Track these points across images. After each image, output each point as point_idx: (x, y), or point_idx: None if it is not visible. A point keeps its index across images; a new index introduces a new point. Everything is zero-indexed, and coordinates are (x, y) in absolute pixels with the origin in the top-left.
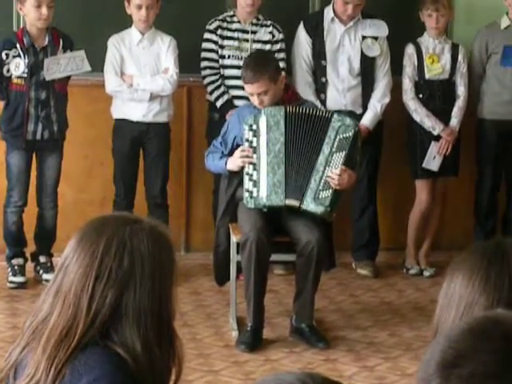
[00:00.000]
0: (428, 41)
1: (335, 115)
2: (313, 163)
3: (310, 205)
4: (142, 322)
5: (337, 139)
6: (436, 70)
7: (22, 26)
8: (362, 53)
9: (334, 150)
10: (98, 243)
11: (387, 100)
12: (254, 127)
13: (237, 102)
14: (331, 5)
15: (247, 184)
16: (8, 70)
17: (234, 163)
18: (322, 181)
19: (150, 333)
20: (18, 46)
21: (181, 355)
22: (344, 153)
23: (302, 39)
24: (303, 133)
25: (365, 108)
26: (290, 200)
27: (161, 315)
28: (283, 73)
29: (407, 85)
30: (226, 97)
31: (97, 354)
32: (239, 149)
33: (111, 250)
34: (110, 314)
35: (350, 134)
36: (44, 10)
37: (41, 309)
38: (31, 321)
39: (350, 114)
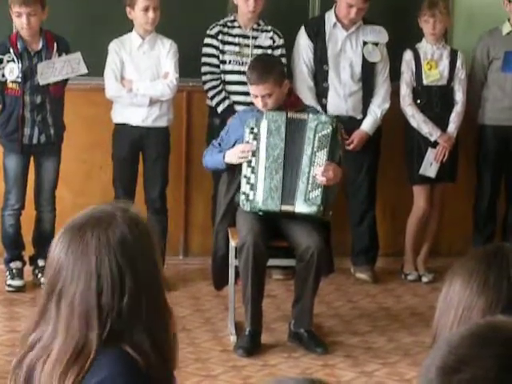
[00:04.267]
0: (426, 47)
1: (310, 115)
2: (295, 166)
3: (302, 206)
4: (146, 319)
5: (316, 138)
6: (434, 76)
7: (15, 31)
8: (364, 58)
9: (315, 149)
10: (89, 261)
11: (387, 106)
12: (255, 130)
13: (238, 108)
14: (333, 10)
15: (244, 187)
16: (3, 75)
17: (233, 156)
18: (310, 181)
19: (153, 326)
20: (11, 50)
21: (174, 331)
22: (326, 150)
23: (304, 44)
24: (299, 138)
25: (365, 113)
26: (285, 206)
27: (159, 302)
28: None
29: (405, 91)
30: (227, 102)
31: (107, 354)
32: (243, 144)
33: (104, 263)
34: (119, 323)
35: (328, 130)
36: (24, 19)
37: (42, 334)
38: (34, 340)
39: (351, 119)
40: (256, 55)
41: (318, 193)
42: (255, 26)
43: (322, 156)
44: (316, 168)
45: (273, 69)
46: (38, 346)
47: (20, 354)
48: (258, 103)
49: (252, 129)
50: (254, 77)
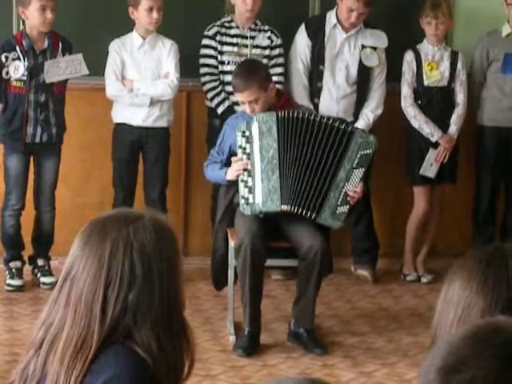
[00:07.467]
0: (427, 48)
1: (359, 130)
2: (329, 176)
3: (327, 219)
4: (154, 320)
5: (358, 155)
6: (435, 76)
7: (21, 29)
8: (360, 62)
9: (354, 165)
10: (104, 249)
11: (380, 111)
12: (247, 133)
13: (237, 109)
14: (334, 11)
15: (243, 191)
16: (7, 73)
17: (230, 174)
18: (341, 196)
19: (161, 329)
20: (17, 48)
21: (192, 345)
22: (363, 169)
23: (303, 42)
24: (299, 137)
25: (356, 117)
26: (285, 206)
27: (171, 310)
28: (281, 78)
29: (406, 91)
30: (226, 103)
31: (116, 352)
32: (233, 159)
33: (118, 254)
34: (124, 318)
35: (370, 151)
36: (49, 14)
37: (53, 320)
38: (44, 332)
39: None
40: (254, 55)
41: (345, 209)
42: (253, 26)
43: (357, 174)
44: (349, 185)
45: (256, 74)
46: (48, 335)
47: (28, 355)
48: (246, 109)
49: (244, 132)
50: (238, 84)
